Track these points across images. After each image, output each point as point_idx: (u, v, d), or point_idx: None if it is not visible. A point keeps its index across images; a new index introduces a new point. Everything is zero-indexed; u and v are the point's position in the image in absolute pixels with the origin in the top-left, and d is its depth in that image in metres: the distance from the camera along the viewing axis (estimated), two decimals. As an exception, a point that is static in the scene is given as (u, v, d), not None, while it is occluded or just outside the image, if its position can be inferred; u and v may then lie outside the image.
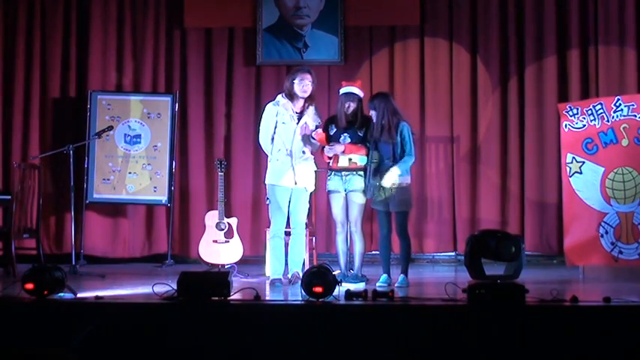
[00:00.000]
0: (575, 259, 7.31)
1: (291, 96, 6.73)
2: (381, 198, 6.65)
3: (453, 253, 8.78)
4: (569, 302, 5.38)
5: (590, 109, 7.28)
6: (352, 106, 6.72)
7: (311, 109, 6.78)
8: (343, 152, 6.69)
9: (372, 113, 6.68)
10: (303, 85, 6.67)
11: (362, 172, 6.73)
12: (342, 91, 6.79)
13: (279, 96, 6.83)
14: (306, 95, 6.72)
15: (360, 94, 6.79)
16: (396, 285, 6.56)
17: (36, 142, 8.77)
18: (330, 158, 6.76)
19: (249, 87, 8.91)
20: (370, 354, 5.13)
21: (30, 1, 8.85)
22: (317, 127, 6.77)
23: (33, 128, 8.79)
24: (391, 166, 6.58)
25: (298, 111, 6.76)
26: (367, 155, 6.69)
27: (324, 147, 6.75)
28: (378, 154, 6.65)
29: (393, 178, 6.57)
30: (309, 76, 6.70)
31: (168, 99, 8.62)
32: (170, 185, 8.51)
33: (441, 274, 7.75)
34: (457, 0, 8.78)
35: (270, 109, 6.81)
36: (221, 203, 7.56)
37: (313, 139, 6.72)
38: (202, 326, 5.23)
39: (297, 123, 6.73)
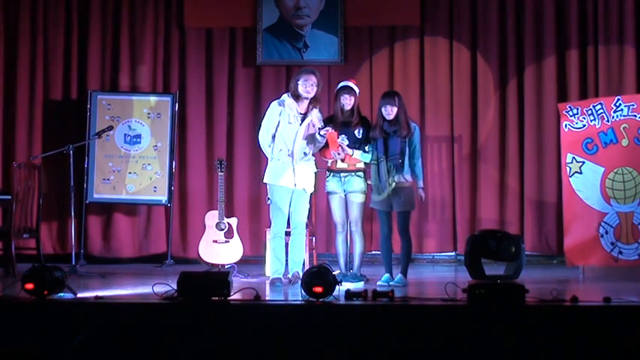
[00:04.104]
0: (575, 259, 7.30)
1: (296, 96, 6.71)
2: (383, 197, 6.65)
3: (453, 253, 8.78)
4: (569, 302, 5.38)
5: (590, 109, 7.28)
6: (350, 99, 6.72)
7: (315, 112, 6.74)
8: (343, 160, 6.72)
9: (388, 108, 6.61)
10: (307, 86, 6.63)
11: (360, 173, 6.75)
12: (339, 85, 6.83)
13: (285, 95, 6.80)
14: (309, 96, 6.68)
15: (357, 89, 6.79)
16: (390, 283, 6.56)
17: (36, 142, 8.77)
18: (332, 158, 6.75)
19: (249, 87, 8.91)
20: (370, 354, 5.13)
21: (32, 3, 8.86)
22: (325, 126, 6.69)
23: (33, 128, 8.79)
24: (401, 162, 6.57)
25: (302, 112, 6.73)
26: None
27: (326, 147, 6.70)
28: (385, 150, 6.62)
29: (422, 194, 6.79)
30: (313, 78, 6.66)
31: (168, 99, 8.62)
32: (170, 185, 8.51)
33: (441, 274, 7.75)
34: (457, 0, 8.79)
35: (274, 108, 6.77)
36: (221, 203, 7.55)
37: (321, 136, 6.62)
38: (202, 326, 5.23)
39: (300, 124, 6.71)
